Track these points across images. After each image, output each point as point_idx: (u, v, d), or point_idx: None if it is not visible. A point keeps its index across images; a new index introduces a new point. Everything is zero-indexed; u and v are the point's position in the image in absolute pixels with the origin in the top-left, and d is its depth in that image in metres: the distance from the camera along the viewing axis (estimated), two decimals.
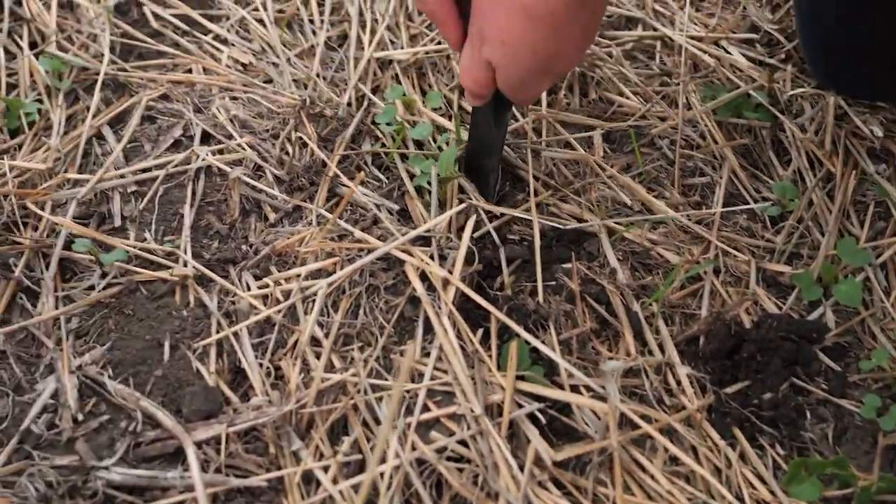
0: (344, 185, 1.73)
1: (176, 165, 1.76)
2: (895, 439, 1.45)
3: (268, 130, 1.82)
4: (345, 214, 1.67)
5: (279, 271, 1.60)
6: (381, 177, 1.77)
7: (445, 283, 1.53)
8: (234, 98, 1.89)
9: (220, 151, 1.78)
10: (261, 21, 2.11)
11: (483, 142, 1.67)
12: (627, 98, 1.94)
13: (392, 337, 1.52)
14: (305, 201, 1.71)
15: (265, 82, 1.95)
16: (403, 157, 1.78)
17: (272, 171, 1.75)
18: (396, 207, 1.70)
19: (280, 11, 2.14)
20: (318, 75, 1.96)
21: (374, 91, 1.95)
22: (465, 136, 1.74)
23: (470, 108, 1.81)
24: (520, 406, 1.42)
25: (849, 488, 1.38)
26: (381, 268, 1.58)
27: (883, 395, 1.50)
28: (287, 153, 1.78)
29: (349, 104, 1.89)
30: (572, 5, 1.31)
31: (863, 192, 1.81)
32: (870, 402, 1.48)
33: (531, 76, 1.44)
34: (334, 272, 1.58)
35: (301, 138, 1.80)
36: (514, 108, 1.71)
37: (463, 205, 1.64)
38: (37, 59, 1.99)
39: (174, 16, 2.13)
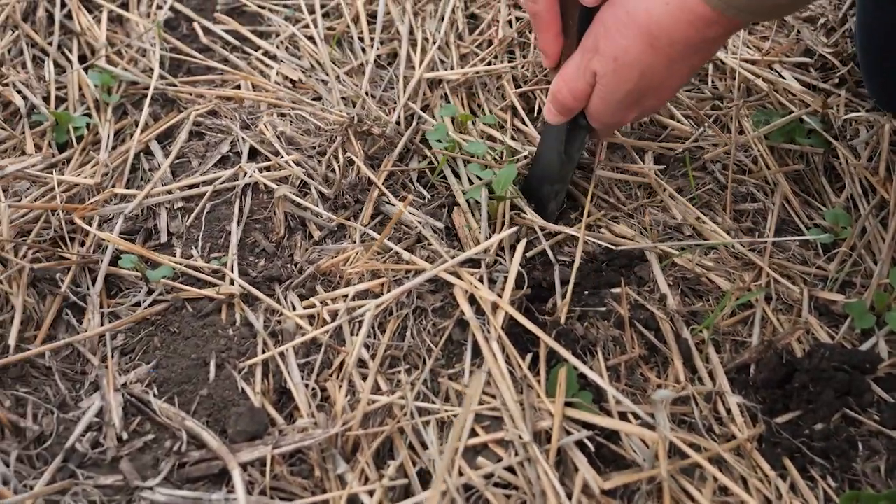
0: (390, 204, 1.72)
1: (223, 182, 1.75)
2: None
3: (315, 147, 1.81)
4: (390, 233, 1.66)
5: (325, 291, 1.59)
6: (426, 194, 1.76)
7: (495, 307, 1.52)
8: (283, 115, 1.89)
9: (267, 168, 1.78)
10: (310, 38, 2.11)
11: (548, 168, 1.68)
12: (679, 122, 1.92)
13: (440, 360, 1.50)
14: (350, 219, 1.70)
15: (314, 99, 1.95)
16: (455, 175, 1.76)
17: (318, 189, 1.75)
18: (441, 226, 1.68)
19: (330, 29, 2.14)
20: (366, 93, 1.95)
21: (424, 110, 1.94)
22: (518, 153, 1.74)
23: (539, 132, 1.82)
24: (568, 433, 1.40)
25: None
26: (428, 290, 1.56)
27: None
28: (333, 171, 1.77)
29: (398, 122, 1.88)
30: (692, 45, 1.37)
31: None
32: None
33: (626, 100, 1.48)
34: (381, 293, 1.57)
35: (349, 157, 1.79)
36: (585, 143, 1.71)
37: (513, 228, 1.63)
38: (86, 72, 1.99)
39: (224, 31, 2.13)
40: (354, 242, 1.66)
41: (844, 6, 2.10)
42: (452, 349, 1.52)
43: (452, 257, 1.58)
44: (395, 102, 1.94)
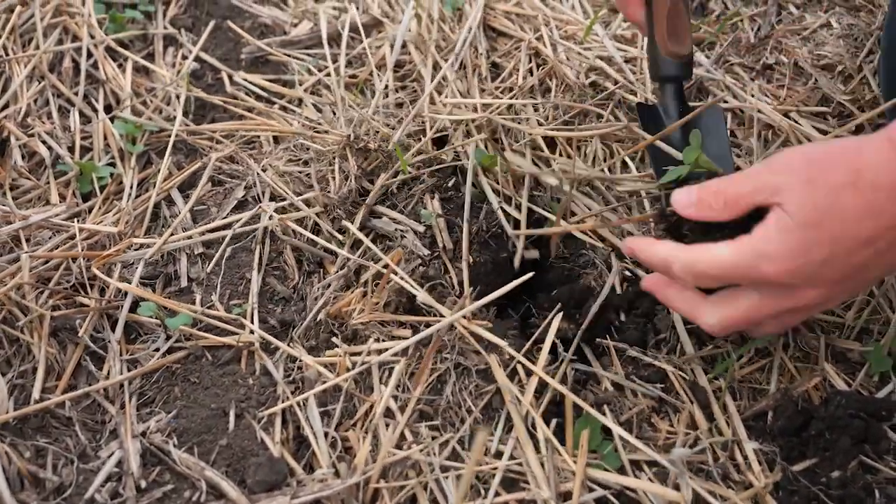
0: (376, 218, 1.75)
1: (241, 226, 1.78)
2: None
3: (319, 172, 1.84)
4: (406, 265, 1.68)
5: (339, 332, 1.62)
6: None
7: (528, 372, 1.55)
8: (291, 159, 1.91)
9: (283, 210, 1.80)
10: (328, 87, 2.13)
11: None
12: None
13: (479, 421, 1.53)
14: (369, 259, 1.72)
15: (318, 132, 1.97)
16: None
17: (329, 231, 1.77)
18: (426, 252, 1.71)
19: (353, 76, 2.16)
20: (373, 113, 1.97)
21: (441, 141, 1.98)
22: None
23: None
24: (590, 490, 1.42)
25: None
26: (473, 349, 1.58)
27: None
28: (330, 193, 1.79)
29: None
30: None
31: None
32: None
33: (808, 238, 1.31)
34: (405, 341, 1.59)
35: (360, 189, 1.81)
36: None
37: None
38: (111, 122, 2.02)
39: (248, 81, 2.16)
40: (357, 284, 1.69)
41: (862, 53, 2.11)
42: (477, 393, 1.54)
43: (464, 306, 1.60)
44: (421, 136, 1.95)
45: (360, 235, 1.73)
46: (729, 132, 1.86)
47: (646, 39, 1.66)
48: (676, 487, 1.43)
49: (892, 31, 1.82)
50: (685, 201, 1.39)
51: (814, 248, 1.29)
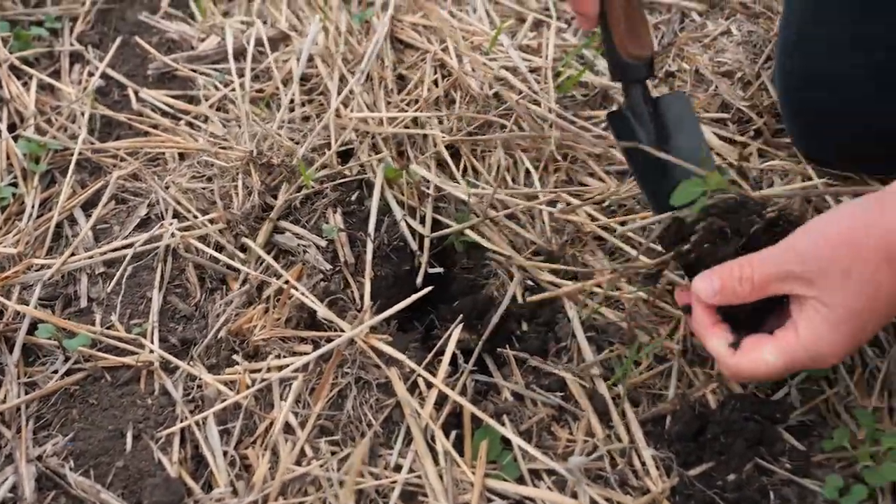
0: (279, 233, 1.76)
1: (143, 245, 1.78)
2: None
3: (223, 188, 1.85)
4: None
5: (241, 350, 1.63)
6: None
7: (429, 384, 1.57)
8: (195, 176, 1.91)
9: (186, 229, 1.81)
10: (238, 100, 2.13)
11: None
12: (601, 178, 1.95)
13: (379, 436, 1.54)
14: (272, 275, 1.72)
15: (222, 148, 1.97)
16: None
17: (232, 248, 1.78)
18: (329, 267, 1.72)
19: (259, 91, 2.16)
20: (278, 128, 1.99)
21: (346, 154, 2.00)
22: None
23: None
24: (489, 501, 1.44)
25: None
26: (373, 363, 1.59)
27: (845, 474, 1.49)
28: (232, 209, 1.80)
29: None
30: None
31: None
32: (832, 482, 1.47)
33: (849, 324, 1.34)
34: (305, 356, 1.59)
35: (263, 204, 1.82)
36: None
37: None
38: (15, 141, 2.01)
39: (154, 97, 2.15)
40: (267, 301, 1.69)
41: (760, 59, 2.14)
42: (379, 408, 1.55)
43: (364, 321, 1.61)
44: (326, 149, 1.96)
45: (261, 252, 1.74)
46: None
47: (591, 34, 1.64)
48: (574, 495, 1.44)
49: (786, 36, 1.85)
50: (709, 290, 1.41)
51: (860, 332, 1.34)
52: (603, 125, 2.06)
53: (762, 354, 1.38)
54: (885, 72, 1.74)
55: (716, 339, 1.42)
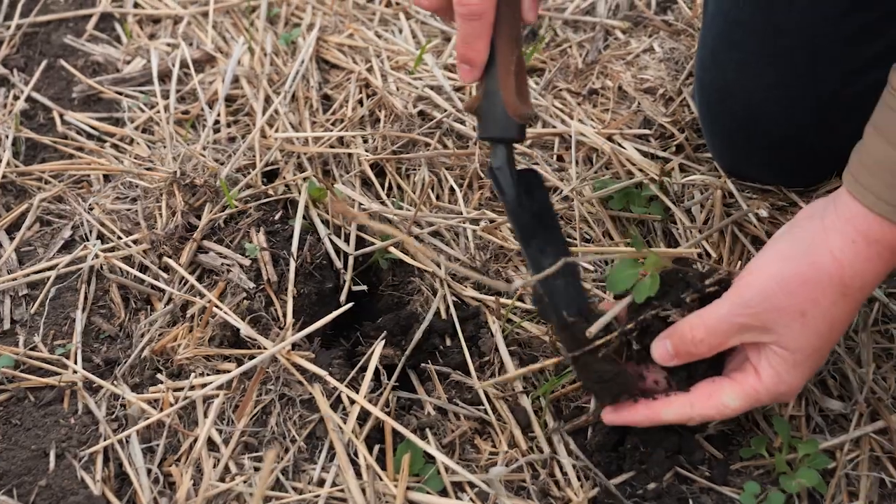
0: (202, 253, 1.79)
1: (67, 265, 1.78)
2: None
3: (146, 209, 1.86)
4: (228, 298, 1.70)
5: (165, 369, 1.63)
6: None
7: (352, 400, 1.58)
8: (119, 197, 1.91)
9: (111, 250, 1.81)
10: (164, 121, 2.13)
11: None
12: None
13: (303, 452, 1.55)
14: (195, 294, 1.73)
15: (147, 169, 1.98)
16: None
17: (156, 268, 1.78)
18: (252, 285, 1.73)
19: (185, 112, 2.17)
20: (203, 148, 2.00)
21: (272, 174, 2.01)
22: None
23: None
24: None
25: None
26: (295, 380, 1.60)
27: (763, 480, 1.52)
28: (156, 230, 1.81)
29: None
30: (878, 280, 1.37)
31: None
32: (749, 488, 1.50)
33: (812, 359, 1.39)
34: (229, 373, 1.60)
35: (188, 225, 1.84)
36: None
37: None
38: None
39: (79, 120, 2.15)
40: (184, 320, 1.71)
41: (682, 76, 2.17)
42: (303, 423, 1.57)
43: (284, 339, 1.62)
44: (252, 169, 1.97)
45: (183, 272, 1.75)
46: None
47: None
48: None
49: (702, 54, 1.88)
50: (666, 355, 1.42)
51: (818, 364, 1.40)
52: (527, 143, 2.09)
53: (723, 399, 1.40)
54: (795, 87, 1.78)
55: (668, 413, 1.44)
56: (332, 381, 1.58)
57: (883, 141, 1.30)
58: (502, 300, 1.75)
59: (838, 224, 1.34)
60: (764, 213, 1.87)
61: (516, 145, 1.75)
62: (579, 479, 1.53)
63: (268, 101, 2.16)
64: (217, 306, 1.67)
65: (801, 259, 1.35)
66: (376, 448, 1.52)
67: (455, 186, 1.96)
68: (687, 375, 1.45)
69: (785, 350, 1.36)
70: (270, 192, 1.92)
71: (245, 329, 1.64)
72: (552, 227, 1.57)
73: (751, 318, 1.36)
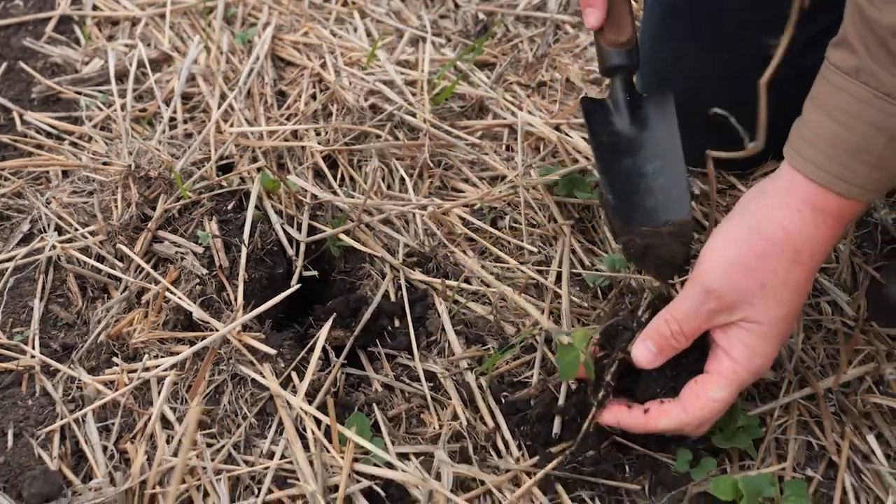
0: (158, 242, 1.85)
1: (25, 256, 1.84)
2: (704, 486, 1.53)
3: (102, 203, 1.92)
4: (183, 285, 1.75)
5: (120, 353, 1.69)
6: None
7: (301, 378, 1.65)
8: (76, 191, 1.96)
9: (69, 241, 1.86)
10: (115, 121, 2.18)
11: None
12: (474, 184, 2.03)
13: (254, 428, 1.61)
14: (151, 282, 1.78)
15: (104, 163, 2.03)
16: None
17: (112, 258, 1.83)
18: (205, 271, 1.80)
19: (142, 110, 2.22)
20: (158, 142, 2.07)
21: (228, 167, 2.06)
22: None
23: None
24: (358, 482, 1.51)
25: None
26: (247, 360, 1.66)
27: (697, 447, 1.58)
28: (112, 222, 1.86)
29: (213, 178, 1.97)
30: (828, 247, 1.43)
31: None
32: (682, 455, 1.56)
33: (780, 330, 1.45)
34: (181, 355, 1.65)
35: (142, 216, 1.90)
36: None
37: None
38: None
39: (38, 119, 2.20)
40: (146, 305, 1.75)
41: None
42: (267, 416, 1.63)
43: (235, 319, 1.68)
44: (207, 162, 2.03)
45: (138, 260, 1.80)
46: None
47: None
48: (439, 476, 1.51)
49: (642, 42, 1.94)
50: (649, 357, 1.49)
51: (788, 331, 1.47)
52: (478, 134, 2.15)
53: (710, 395, 1.46)
54: (731, 72, 1.84)
55: (663, 422, 1.49)
56: (282, 360, 1.64)
57: (822, 113, 1.36)
58: (448, 283, 1.80)
59: (782, 196, 1.40)
60: (696, 191, 1.93)
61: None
62: (520, 448, 1.59)
63: (223, 97, 2.21)
64: (170, 291, 1.72)
65: (752, 237, 1.41)
66: (324, 423, 1.57)
67: (405, 176, 2.02)
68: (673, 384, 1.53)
69: (753, 324, 1.42)
70: (224, 183, 1.97)
71: (197, 312, 1.69)
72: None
73: (717, 303, 1.42)
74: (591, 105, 1.72)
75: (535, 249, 1.88)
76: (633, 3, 1.69)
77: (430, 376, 1.70)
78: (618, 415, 1.52)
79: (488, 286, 1.81)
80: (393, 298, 1.81)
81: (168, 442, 1.55)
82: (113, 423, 1.59)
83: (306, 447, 1.55)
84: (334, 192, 2.00)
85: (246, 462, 1.54)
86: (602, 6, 1.62)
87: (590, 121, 1.69)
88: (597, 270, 1.86)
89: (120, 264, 1.82)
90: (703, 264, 1.44)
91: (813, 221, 1.38)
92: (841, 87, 1.33)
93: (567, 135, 2.11)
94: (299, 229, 1.92)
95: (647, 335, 1.48)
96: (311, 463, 1.51)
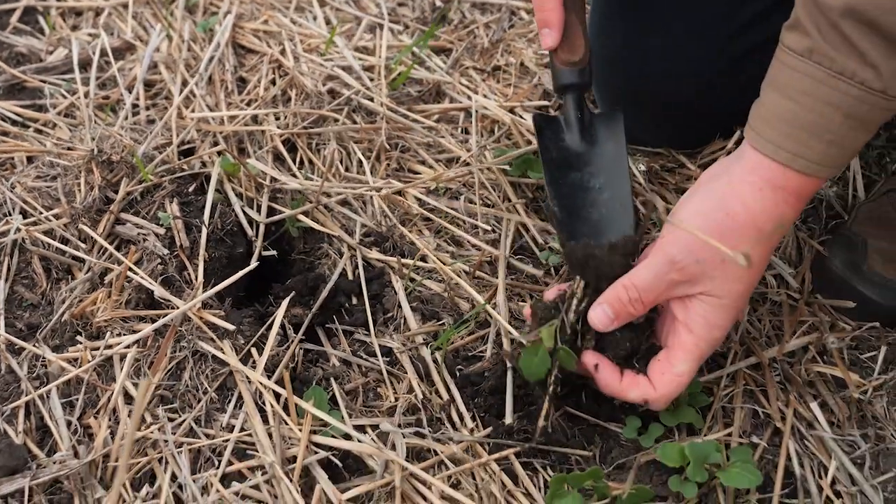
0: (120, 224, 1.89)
1: None
2: (652, 454, 1.58)
3: (66, 187, 1.95)
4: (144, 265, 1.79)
5: (84, 331, 1.73)
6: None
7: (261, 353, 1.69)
8: (40, 176, 2.00)
9: (34, 224, 1.90)
10: (79, 108, 2.22)
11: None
12: (430, 166, 2.07)
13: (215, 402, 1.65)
14: (114, 262, 1.82)
15: (67, 149, 2.07)
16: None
17: (76, 240, 1.88)
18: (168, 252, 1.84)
19: (105, 98, 2.25)
20: (121, 127, 2.11)
21: (190, 152, 2.10)
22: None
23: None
24: (315, 453, 1.55)
25: (606, 499, 1.50)
26: (207, 337, 1.70)
27: (646, 416, 1.63)
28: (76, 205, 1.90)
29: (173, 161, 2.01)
30: (788, 224, 1.49)
31: None
32: (631, 423, 1.61)
33: (737, 305, 1.51)
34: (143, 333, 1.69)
35: (105, 198, 1.94)
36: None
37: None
38: None
39: (2, 108, 2.23)
40: (109, 286, 1.80)
41: None
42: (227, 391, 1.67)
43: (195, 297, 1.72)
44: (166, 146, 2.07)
45: (101, 241, 1.83)
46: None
47: None
48: (394, 447, 1.56)
49: (591, 23, 1.99)
50: (605, 320, 1.52)
51: (744, 303, 1.52)
52: (435, 117, 2.19)
53: (675, 370, 1.51)
54: (677, 53, 1.90)
55: (633, 391, 1.54)
56: (241, 337, 1.69)
57: (779, 94, 1.41)
58: (404, 261, 1.85)
59: (745, 176, 1.45)
60: (643, 167, 1.99)
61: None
62: (474, 419, 1.64)
63: (185, 84, 2.25)
64: (132, 271, 1.76)
65: (716, 212, 1.46)
66: (283, 397, 1.62)
67: (363, 159, 2.06)
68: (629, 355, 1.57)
69: (712, 297, 1.47)
70: (185, 167, 2.01)
71: (159, 291, 1.74)
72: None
73: (679, 274, 1.47)
74: (542, 120, 1.79)
75: (490, 228, 1.93)
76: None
77: (387, 351, 1.74)
78: (600, 362, 1.56)
79: (444, 264, 1.85)
80: (350, 277, 1.85)
81: (130, 416, 1.59)
82: (77, 399, 1.63)
83: (265, 420, 1.59)
84: (293, 175, 2.03)
85: (207, 435, 1.58)
86: (558, 28, 1.68)
87: (541, 136, 1.76)
88: (549, 248, 1.90)
89: (83, 246, 1.86)
90: (667, 236, 1.49)
91: (773, 199, 1.43)
92: (796, 68, 1.38)
93: (521, 117, 2.15)
94: (259, 211, 1.96)
95: (606, 299, 1.52)
96: (269, 435, 1.56)
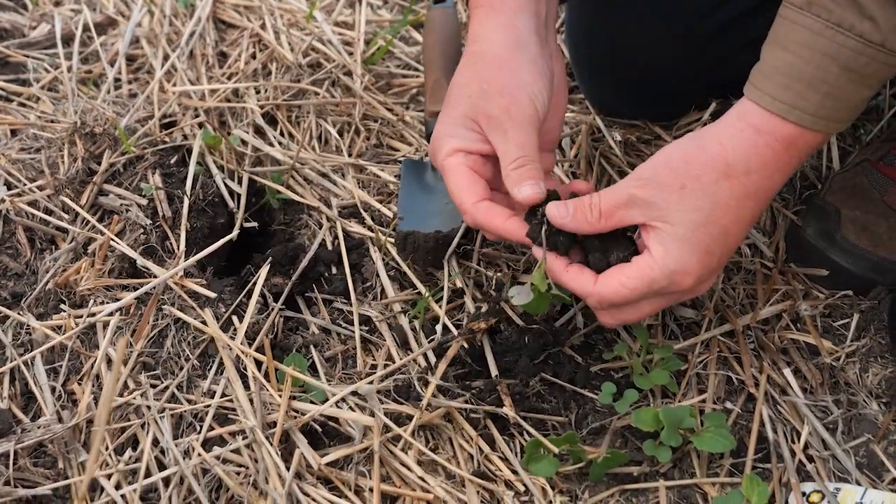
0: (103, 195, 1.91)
1: None
2: (627, 420, 1.61)
3: (49, 159, 1.98)
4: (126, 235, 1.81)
5: (68, 300, 1.75)
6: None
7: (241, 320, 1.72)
8: (24, 148, 2.02)
9: (18, 195, 1.93)
10: (62, 83, 2.24)
11: None
12: (408, 143, 2.10)
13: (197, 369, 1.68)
14: (97, 233, 1.85)
15: (50, 121, 2.11)
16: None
17: (60, 210, 1.90)
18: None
19: (88, 72, 2.27)
20: (104, 101, 2.13)
21: (171, 126, 2.12)
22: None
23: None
24: (295, 418, 1.58)
25: (581, 463, 1.54)
26: (188, 305, 1.73)
27: (621, 383, 1.66)
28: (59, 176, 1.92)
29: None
30: (768, 173, 1.45)
31: None
32: (606, 389, 1.64)
33: (695, 237, 1.46)
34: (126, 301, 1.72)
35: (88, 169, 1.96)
36: None
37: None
38: None
39: None
40: (93, 255, 1.82)
41: (556, 23, 2.29)
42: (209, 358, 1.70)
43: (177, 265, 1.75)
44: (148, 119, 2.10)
45: (83, 212, 1.86)
46: None
47: None
48: (372, 413, 1.58)
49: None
50: (562, 213, 1.50)
51: (712, 245, 1.46)
52: (413, 92, 2.22)
53: (620, 279, 1.48)
54: (654, 25, 1.92)
55: (574, 280, 1.52)
56: (223, 305, 1.71)
57: (778, 48, 1.41)
58: (382, 230, 1.88)
59: (731, 119, 1.45)
60: (618, 136, 2.01)
61: None
62: (451, 384, 1.65)
63: (166, 58, 2.27)
64: (115, 241, 1.78)
65: (689, 143, 1.47)
66: (264, 364, 1.64)
67: (340, 133, 2.11)
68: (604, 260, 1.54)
69: (666, 224, 1.44)
70: (167, 139, 2.03)
71: (141, 260, 1.76)
72: None
73: (638, 190, 1.45)
74: (410, 164, 1.96)
75: None
76: None
77: (366, 320, 1.77)
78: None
79: None
80: (330, 247, 1.87)
81: (115, 382, 1.61)
82: (60, 366, 1.65)
83: (246, 386, 1.61)
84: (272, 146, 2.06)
85: (188, 401, 1.61)
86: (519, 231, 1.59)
87: (405, 174, 1.93)
88: None
89: (67, 216, 1.88)
90: (650, 159, 1.50)
91: (753, 141, 1.42)
92: (795, 20, 1.38)
93: None
94: (240, 183, 1.98)
95: (570, 200, 1.51)
96: (250, 401, 1.58)
